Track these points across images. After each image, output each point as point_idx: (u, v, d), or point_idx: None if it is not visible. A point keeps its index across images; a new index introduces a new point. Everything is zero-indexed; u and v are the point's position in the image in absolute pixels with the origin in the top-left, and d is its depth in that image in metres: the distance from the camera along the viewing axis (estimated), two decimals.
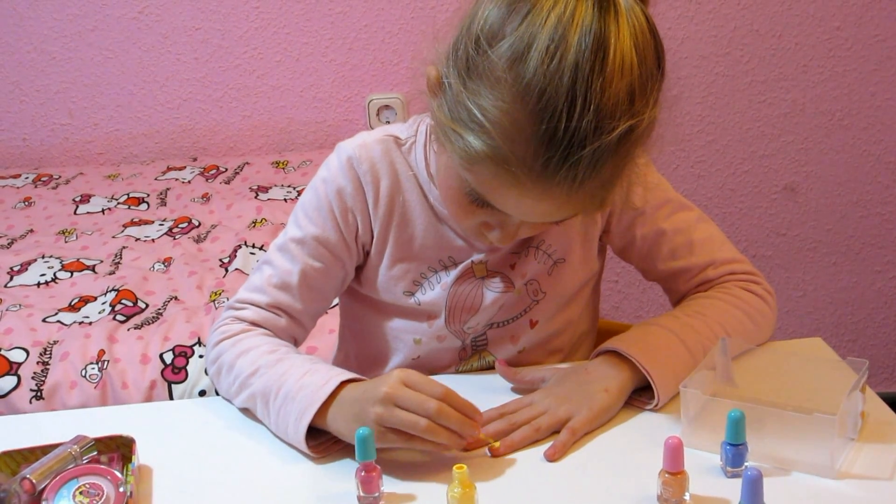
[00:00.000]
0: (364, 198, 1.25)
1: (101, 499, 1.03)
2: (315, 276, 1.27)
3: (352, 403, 1.11)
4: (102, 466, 1.07)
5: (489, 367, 1.32)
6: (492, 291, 1.27)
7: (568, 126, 0.97)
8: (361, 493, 1.05)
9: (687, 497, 1.02)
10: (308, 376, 1.16)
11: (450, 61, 1.05)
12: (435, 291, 1.27)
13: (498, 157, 1.01)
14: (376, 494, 1.05)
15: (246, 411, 1.23)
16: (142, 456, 1.13)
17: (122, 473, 1.07)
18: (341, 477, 1.10)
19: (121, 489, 1.04)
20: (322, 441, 1.15)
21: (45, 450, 1.08)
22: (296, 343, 1.31)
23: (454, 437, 1.07)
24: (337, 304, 1.43)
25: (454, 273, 1.27)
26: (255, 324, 1.27)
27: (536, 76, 0.97)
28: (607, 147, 0.99)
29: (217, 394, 1.28)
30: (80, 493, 1.04)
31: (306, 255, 1.27)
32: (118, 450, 1.13)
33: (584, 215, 1.15)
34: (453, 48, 1.05)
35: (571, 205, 1.06)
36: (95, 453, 1.08)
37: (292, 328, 1.29)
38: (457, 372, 1.32)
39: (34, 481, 1.03)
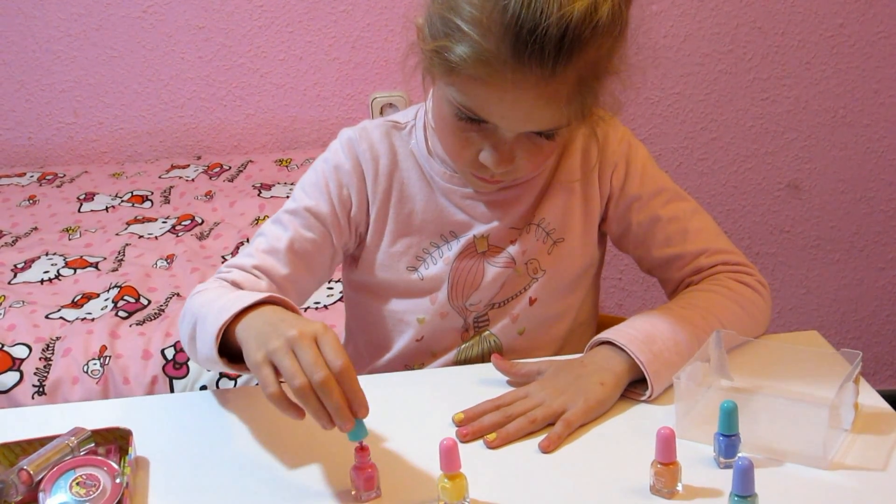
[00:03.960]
0: (362, 175, 1.31)
1: (97, 490, 1.04)
2: (304, 246, 1.29)
3: (266, 322, 1.06)
4: (99, 458, 1.07)
5: (489, 355, 1.32)
6: (493, 267, 1.31)
7: (531, 5, 1.04)
8: (356, 486, 1.05)
9: (679, 487, 1.03)
10: (253, 295, 1.13)
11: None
12: (438, 266, 1.32)
13: (474, 54, 1.08)
14: (372, 493, 1.05)
15: (243, 407, 1.24)
16: (139, 448, 1.14)
17: (118, 465, 1.08)
18: (336, 468, 1.10)
19: (117, 480, 1.05)
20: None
21: (43, 441, 1.09)
22: None
23: (322, 414, 0.99)
24: (340, 301, 1.43)
25: (456, 248, 1.31)
26: (235, 284, 1.26)
27: None
28: (573, 30, 1.04)
29: (218, 387, 1.29)
30: (77, 484, 1.04)
31: (298, 225, 1.30)
32: (115, 442, 1.13)
33: (566, 127, 1.16)
34: None
35: (550, 104, 1.10)
36: (93, 445, 1.09)
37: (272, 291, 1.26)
38: (458, 354, 1.35)
39: (31, 472, 1.04)
